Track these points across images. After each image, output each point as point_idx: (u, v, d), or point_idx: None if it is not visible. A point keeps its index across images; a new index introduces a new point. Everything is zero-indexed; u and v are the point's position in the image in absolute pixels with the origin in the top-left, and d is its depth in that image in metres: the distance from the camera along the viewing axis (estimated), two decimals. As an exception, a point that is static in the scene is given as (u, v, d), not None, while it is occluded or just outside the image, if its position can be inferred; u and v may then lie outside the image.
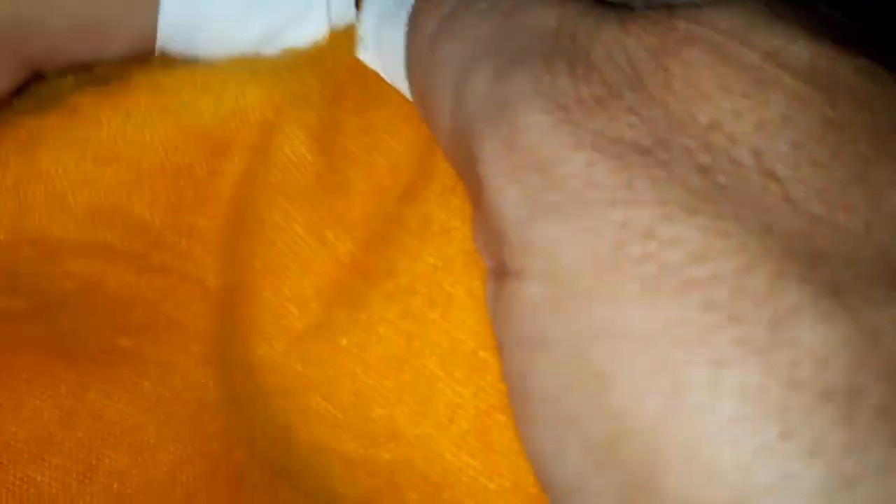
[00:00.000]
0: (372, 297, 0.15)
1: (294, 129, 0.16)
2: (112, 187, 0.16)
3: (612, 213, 0.11)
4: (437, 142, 0.15)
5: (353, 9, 0.18)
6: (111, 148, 0.16)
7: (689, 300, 0.10)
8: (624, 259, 0.11)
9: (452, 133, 0.14)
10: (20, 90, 0.16)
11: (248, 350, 0.16)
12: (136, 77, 0.17)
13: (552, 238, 0.11)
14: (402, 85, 0.16)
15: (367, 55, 0.17)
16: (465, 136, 0.13)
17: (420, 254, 0.15)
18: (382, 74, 0.17)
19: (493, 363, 0.14)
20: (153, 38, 0.16)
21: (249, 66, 0.17)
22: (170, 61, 0.17)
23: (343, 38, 0.18)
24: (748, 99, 0.12)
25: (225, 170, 0.16)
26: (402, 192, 0.16)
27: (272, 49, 0.18)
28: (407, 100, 0.16)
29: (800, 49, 0.12)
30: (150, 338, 0.17)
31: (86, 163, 0.16)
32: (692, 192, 0.11)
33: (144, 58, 0.17)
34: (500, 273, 0.13)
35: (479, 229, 0.13)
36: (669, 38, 0.12)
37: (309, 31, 0.18)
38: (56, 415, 0.16)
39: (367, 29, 0.17)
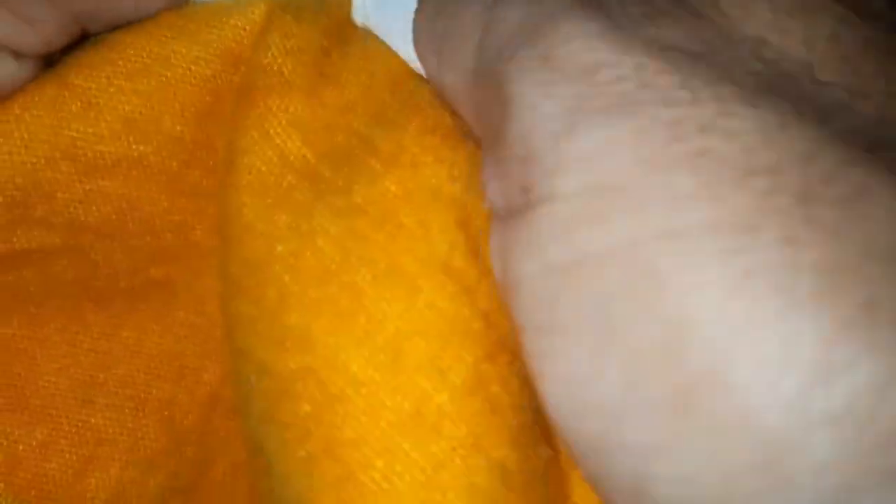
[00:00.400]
0: (317, 208, 0.14)
1: (277, 38, 0.16)
2: (144, 100, 0.16)
3: (666, 111, 0.11)
4: (440, 90, 0.15)
5: None
6: (140, 62, 0.16)
7: (754, 186, 0.10)
8: (679, 155, 0.11)
9: (475, 71, 0.14)
10: (68, 49, 0.17)
11: (225, 254, 0.16)
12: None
13: (594, 147, 0.11)
14: (403, 47, 0.16)
15: (363, 15, 0.17)
16: (491, 69, 0.13)
17: (381, 179, 0.14)
18: (380, 35, 0.17)
19: (430, 292, 0.14)
20: None
21: None
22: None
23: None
24: (794, 18, 0.12)
25: (236, 82, 0.17)
26: (375, 116, 0.16)
27: None
28: (395, 52, 0.16)
29: None
30: (181, 266, 0.17)
31: (118, 78, 0.16)
32: (749, 89, 0.11)
33: None
34: (521, 206, 0.12)
35: (494, 169, 0.13)
36: None
37: None
38: (93, 358, 0.16)
39: None
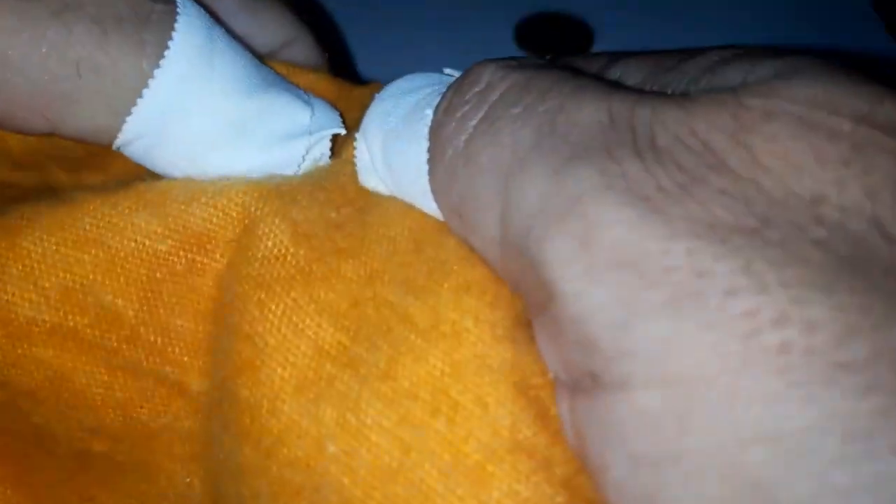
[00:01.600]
0: (364, 397, 0.14)
1: (277, 222, 0.16)
2: (86, 270, 0.16)
3: (733, 303, 0.10)
4: (475, 249, 0.15)
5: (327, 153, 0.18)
6: (94, 231, 0.16)
7: (848, 384, 0.09)
8: (759, 351, 0.10)
9: (503, 241, 0.13)
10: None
11: (234, 450, 0.15)
12: (118, 162, 0.17)
13: (663, 340, 0.10)
14: (423, 202, 0.16)
15: (373, 180, 0.17)
16: (520, 242, 0.12)
17: (425, 356, 0.14)
18: (396, 194, 0.17)
19: (502, 477, 0.13)
20: (113, 137, 0.17)
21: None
22: None
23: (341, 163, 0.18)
24: (849, 167, 0.11)
25: (205, 267, 0.16)
26: (404, 283, 0.15)
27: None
28: (412, 208, 0.16)
29: (889, 109, 0.11)
30: (126, 445, 0.17)
31: (65, 245, 0.16)
32: (818, 268, 0.10)
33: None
34: (589, 386, 0.11)
35: (548, 340, 0.12)
36: (744, 116, 0.12)
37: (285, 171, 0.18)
38: (45, 492, 0.16)
39: (373, 151, 0.17)
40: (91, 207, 0.16)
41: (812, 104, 0.11)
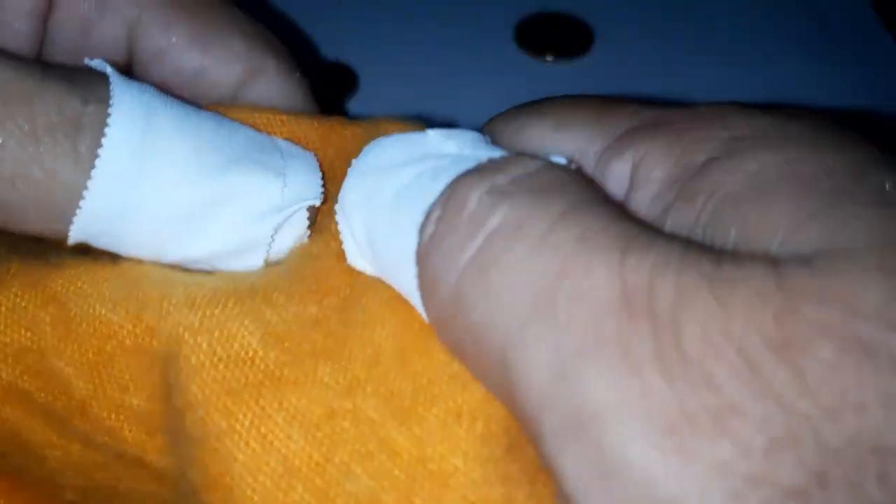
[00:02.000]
0: None
1: (247, 323, 0.15)
2: (44, 332, 0.16)
3: None
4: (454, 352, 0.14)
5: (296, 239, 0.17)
6: (59, 294, 0.16)
7: None
8: None
9: (505, 401, 0.13)
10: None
11: None
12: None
13: None
14: (411, 299, 0.15)
15: (360, 261, 0.16)
16: (528, 423, 0.12)
17: (409, 496, 0.13)
18: (383, 279, 0.16)
19: None
20: (65, 238, 0.16)
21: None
22: None
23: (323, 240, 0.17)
24: None
25: (153, 349, 0.16)
26: (387, 400, 0.14)
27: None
28: (398, 312, 0.15)
29: None
30: (95, 500, 0.17)
31: (33, 304, 0.16)
32: None
33: None
34: None
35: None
36: (790, 325, 0.10)
37: (245, 264, 0.17)
38: None
39: (356, 233, 0.16)
40: (69, 272, 0.16)
41: (869, 315, 0.10)
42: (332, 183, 0.18)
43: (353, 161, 0.17)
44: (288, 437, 0.14)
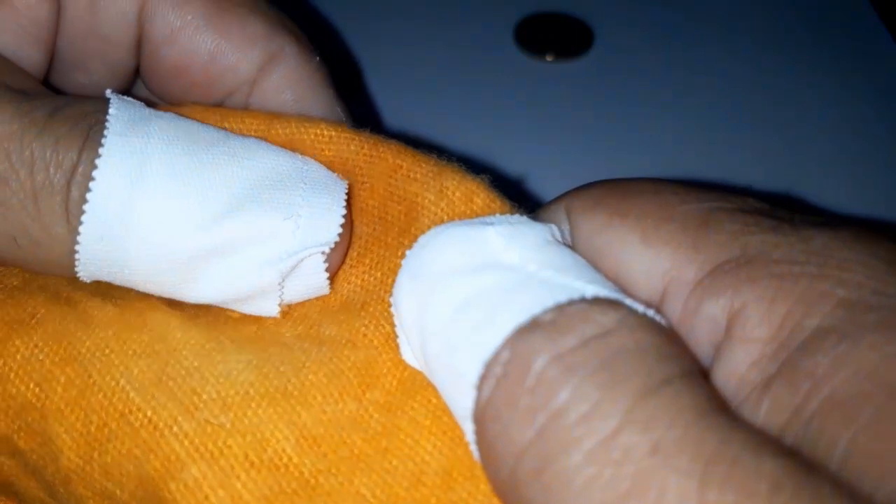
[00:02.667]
0: None
1: (281, 427, 0.15)
2: (54, 393, 0.16)
3: None
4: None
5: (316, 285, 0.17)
6: (83, 356, 0.16)
7: None
8: None
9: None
10: None
11: None
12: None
13: None
14: (463, 427, 0.14)
15: (412, 358, 0.16)
16: None
17: None
18: (428, 375, 0.15)
19: None
20: (72, 271, 0.16)
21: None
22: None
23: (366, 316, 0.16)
24: None
25: (164, 443, 0.15)
26: None
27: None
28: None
29: None
30: None
31: (50, 360, 0.16)
32: None
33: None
34: None
35: None
36: None
37: (259, 309, 0.17)
38: None
39: (409, 336, 0.15)
40: (99, 335, 0.16)
41: None
42: (378, 221, 0.17)
43: (408, 256, 0.15)
44: None
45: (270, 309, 0.17)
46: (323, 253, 0.16)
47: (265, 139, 0.18)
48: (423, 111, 0.36)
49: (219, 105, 0.20)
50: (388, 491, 0.14)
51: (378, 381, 0.15)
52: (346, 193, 0.17)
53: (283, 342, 0.17)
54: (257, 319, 0.17)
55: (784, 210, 0.14)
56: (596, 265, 0.15)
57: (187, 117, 0.17)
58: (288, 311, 0.17)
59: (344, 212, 0.17)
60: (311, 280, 0.17)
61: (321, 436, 0.15)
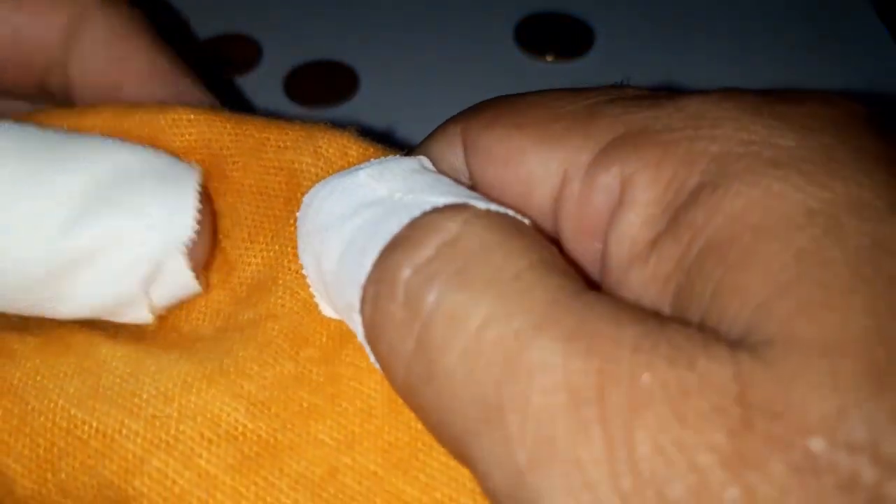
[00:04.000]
0: None
1: (227, 400, 0.15)
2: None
3: None
4: None
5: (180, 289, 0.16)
6: (17, 387, 0.16)
7: None
8: None
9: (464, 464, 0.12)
10: None
11: None
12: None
13: None
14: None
15: (331, 310, 0.16)
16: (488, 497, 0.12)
17: None
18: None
19: None
20: None
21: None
22: None
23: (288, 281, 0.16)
24: None
25: (118, 446, 0.15)
26: (388, 453, 0.14)
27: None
28: None
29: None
30: None
31: None
32: None
33: None
34: None
35: None
36: (746, 440, 0.10)
37: (133, 317, 0.17)
38: None
39: (318, 289, 0.16)
40: (28, 365, 0.16)
41: (818, 431, 0.10)
42: (260, 197, 0.17)
43: (298, 218, 0.16)
44: (295, 502, 0.14)
45: (143, 317, 0.16)
46: (183, 250, 0.16)
47: (120, 133, 0.17)
48: (422, 111, 0.36)
49: (42, 86, 0.19)
50: (343, 431, 0.15)
51: (308, 340, 0.16)
52: (202, 182, 0.17)
53: (207, 338, 0.17)
54: (175, 327, 0.17)
55: (663, 92, 0.15)
56: (499, 176, 0.16)
57: (30, 123, 0.17)
58: (202, 312, 0.17)
59: (197, 204, 0.16)
60: (178, 280, 0.16)
61: (269, 398, 0.15)
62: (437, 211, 0.14)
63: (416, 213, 0.14)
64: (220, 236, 0.18)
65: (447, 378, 0.12)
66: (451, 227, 0.13)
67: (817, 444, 0.10)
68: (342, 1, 0.43)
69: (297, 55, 0.39)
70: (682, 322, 0.12)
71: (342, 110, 0.36)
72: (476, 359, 0.12)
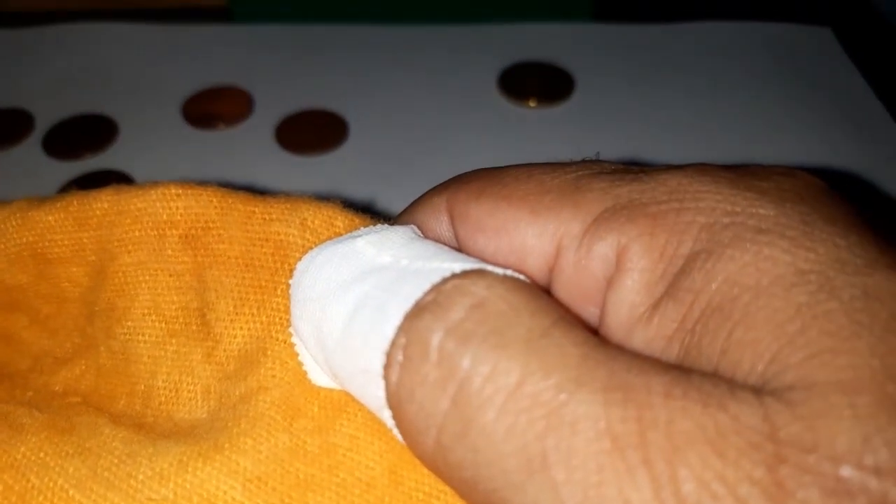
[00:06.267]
0: None
1: (223, 478, 0.15)
2: None
3: None
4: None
5: None
6: (15, 461, 0.16)
7: None
8: None
9: None
10: None
11: None
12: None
13: None
14: (390, 427, 0.15)
15: (324, 378, 0.16)
16: None
17: None
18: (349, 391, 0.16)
19: None
20: None
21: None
22: None
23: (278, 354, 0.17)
24: None
25: None
26: None
27: None
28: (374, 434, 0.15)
29: None
30: None
31: None
32: None
33: None
34: None
35: None
36: (782, 472, 0.11)
37: None
38: None
39: (315, 356, 0.16)
40: (33, 440, 0.16)
41: (846, 459, 0.11)
42: (246, 269, 0.18)
43: (292, 286, 0.16)
44: None
45: None
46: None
47: (121, 211, 0.18)
48: (411, 155, 0.37)
49: None
50: (343, 502, 0.15)
51: (301, 410, 0.16)
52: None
53: (202, 420, 0.17)
54: (169, 417, 0.17)
55: (635, 166, 0.17)
56: (491, 245, 0.17)
57: None
58: (192, 392, 0.18)
59: None
60: None
61: (265, 473, 0.15)
62: (457, 276, 0.14)
63: (437, 278, 0.14)
64: (205, 310, 0.18)
65: (486, 433, 0.12)
66: (477, 291, 0.14)
67: (847, 471, 0.11)
68: (330, 53, 0.44)
69: (287, 105, 0.40)
70: (701, 372, 0.13)
71: (333, 156, 0.37)
72: (516, 413, 0.12)
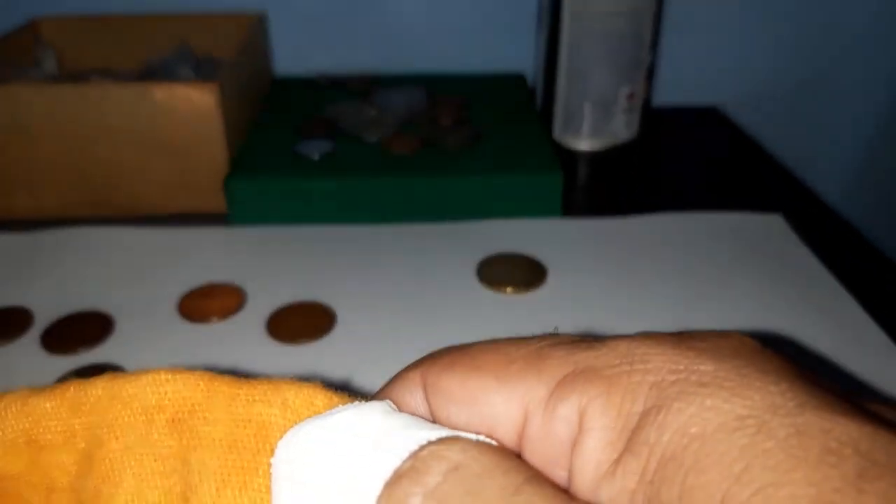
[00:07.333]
0: None
1: None
2: None
3: None
4: None
5: None
6: None
7: None
8: None
9: None
10: None
11: None
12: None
13: None
14: None
15: None
16: None
17: None
18: None
19: None
20: None
21: None
22: None
23: None
24: None
25: None
26: None
27: None
28: None
29: None
30: None
31: None
32: None
33: None
34: None
35: None
36: None
37: None
38: None
39: None
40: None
41: None
42: (229, 450, 0.18)
43: (273, 464, 0.17)
44: None
45: None
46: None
47: (118, 398, 0.19)
48: (395, 340, 0.39)
49: None
50: None
51: None
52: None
53: None
54: None
55: (590, 336, 0.18)
56: (463, 415, 0.18)
57: None
58: None
59: None
60: None
61: None
62: (433, 443, 0.15)
63: (414, 446, 0.15)
64: (188, 493, 0.18)
65: None
66: (452, 455, 0.15)
67: None
68: (320, 249, 0.46)
69: (278, 298, 0.42)
70: None
71: (320, 343, 0.39)
72: None
